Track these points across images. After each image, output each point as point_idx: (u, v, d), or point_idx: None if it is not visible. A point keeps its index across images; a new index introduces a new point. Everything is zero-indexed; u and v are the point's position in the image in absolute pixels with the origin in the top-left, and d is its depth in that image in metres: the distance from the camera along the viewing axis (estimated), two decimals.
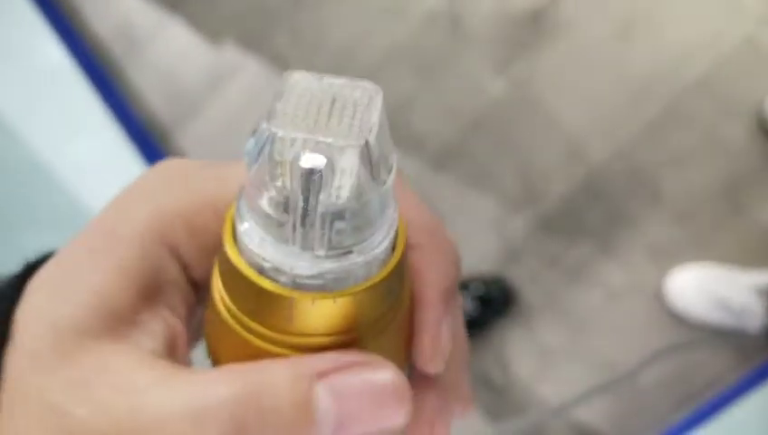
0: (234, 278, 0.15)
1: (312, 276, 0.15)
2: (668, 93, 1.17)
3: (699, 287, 1.12)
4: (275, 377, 0.14)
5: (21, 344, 0.15)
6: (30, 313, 0.16)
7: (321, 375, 0.14)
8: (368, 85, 0.15)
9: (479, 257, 1.20)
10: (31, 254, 0.20)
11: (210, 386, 0.14)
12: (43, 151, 1.27)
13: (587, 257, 1.18)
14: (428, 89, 1.25)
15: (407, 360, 0.18)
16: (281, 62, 1.29)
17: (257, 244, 0.15)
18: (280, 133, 0.14)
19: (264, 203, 0.14)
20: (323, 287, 0.15)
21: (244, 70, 1.31)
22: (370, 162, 0.14)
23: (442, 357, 0.17)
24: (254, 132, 0.14)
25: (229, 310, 0.15)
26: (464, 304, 1.16)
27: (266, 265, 0.15)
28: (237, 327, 0.15)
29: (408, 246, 0.17)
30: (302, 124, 0.14)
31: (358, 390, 0.14)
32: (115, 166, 1.30)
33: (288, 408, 0.14)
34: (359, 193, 0.14)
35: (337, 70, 1.27)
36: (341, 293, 0.15)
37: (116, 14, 1.35)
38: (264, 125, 0.14)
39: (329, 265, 0.14)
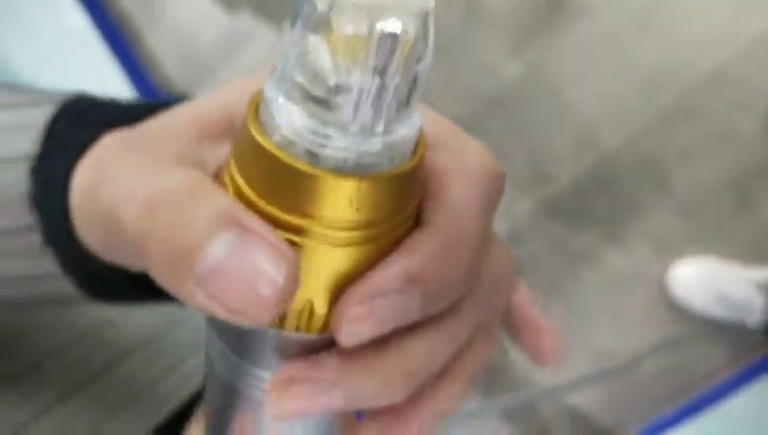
0: (257, 159, 0.15)
1: (365, 154, 0.15)
2: (682, 85, 1.18)
3: (701, 280, 1.12)
4: (209, 199, 0.15)
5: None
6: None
7: (240, 228, 0.14)
8: None
9: None
10: None
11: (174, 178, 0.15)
12: None
13: (592, 244, 1.18)
14: (443, 70, 1.25)
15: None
16: None
17: (296, 128, 0.14)
18: (349, 1, 0.13)
19: (307, 83, 0.14)
20: (347, 169, 0.15)
21: (259, 39, 1.31)
22: (425, 29, 0.14)
23: (348, 327, 0.16)
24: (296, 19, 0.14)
25: (241, 194, 0.15)
26: None
27: (309, 148, 0.14)
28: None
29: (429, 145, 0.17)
30: None
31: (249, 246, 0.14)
32: None
33: (193, 222, 0.14)
34: (421, 60, 0.14)
35: None
36: (372, 176, 0.15)
37: None
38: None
39: (375, 144, 0.14)
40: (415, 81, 0.14)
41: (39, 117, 0.21)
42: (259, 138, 0.15)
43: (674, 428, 1.16)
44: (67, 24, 1.33)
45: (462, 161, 0.17)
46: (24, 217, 0.21)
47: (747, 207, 1.15)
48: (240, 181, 0.15)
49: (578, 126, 1.20)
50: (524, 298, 0.23)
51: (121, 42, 1.34)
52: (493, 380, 1.18)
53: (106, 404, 0.31)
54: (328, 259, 0.15)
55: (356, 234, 0.15)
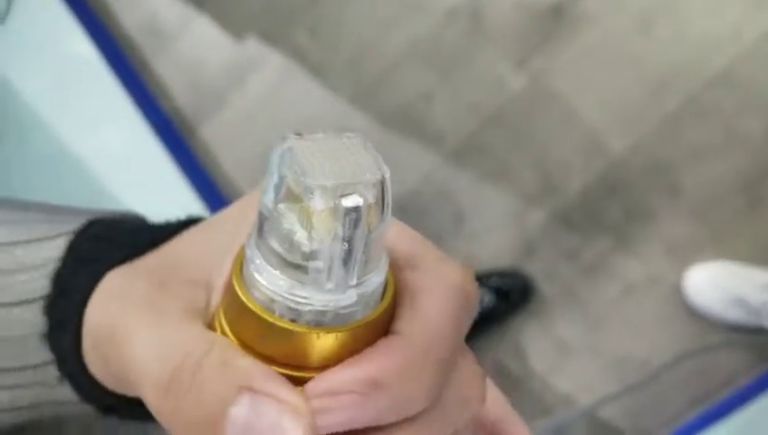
0: (244, 318, 0.17)
1: (343, 306, 0.16)
2: (688, 87, 1.17)
3: (717, 285, 1.12)
4: (223, 361, 0.16)
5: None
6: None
7: (257, 390, 0.15)
8: (350, 134, 0.17)
9: (497, 251, 1.21)
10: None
11: (178, 338, 0.17)
12: (71, 141, 1.30)
13: (604, 252, 1.18)
14: (448, 84, 1.26)
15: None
16: (301, 57, 1.31)
17: (276, 288, 0.16)
18: (316, 184, 0.15)
19: (283, 251, 0.16)
20: (328, 323, 0.16)
21: (266, 64, 1.33)
22: (382, 196, 0.16)
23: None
24: (270, 190, 0.16)
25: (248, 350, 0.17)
26: (482, 297, 1.16)
27: (290, 305, 0.16)
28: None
29: (406, 266, 0.19)
30: (325, 174, 0.16)
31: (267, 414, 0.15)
32: (139, 157, 1.33)
33: (211, 396, 0.16)
34: (382, 221, 0.16)
35: (356, 65, 1.29)
36: (348, 326, 0.17)
37: (143, 9, 1.38)
38: (286, 176, 0.16)
39: (350, 296, 0.16)
40: (379, 239, 0.16)
41: (54, 252, 0.22)
42: (244, 298, 0.17)
43: (700, 432, 1.15)
44: (71, 51, 1.36)
45: (438, 280, 0.18)
46: (42, 353, 0.22)
47: (759, 208, 1.14)
48: (227, 330, 0.17)
49: (585, 134, 1.20)
50: (500, 413, 0.23)
51: (128, 69, 1.37)
52: (513, 391, 1.19)
53: None
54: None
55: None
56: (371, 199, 0.16)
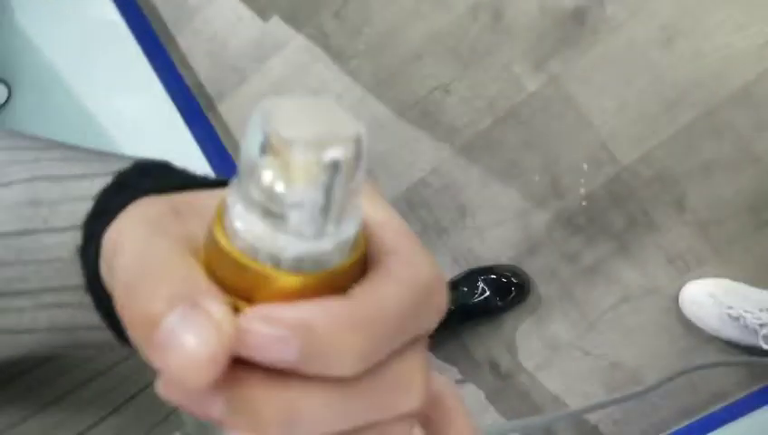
0: (231, 270, 0.18)
1: (322, 253, 0.18)
2: (704, 102, 1.17)
3: (715, 300, 1.12)
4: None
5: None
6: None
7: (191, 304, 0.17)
8: (325, 96, 0.19)
9: (500, 247, 1.22)
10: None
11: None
12: (89, 102, 1.32)
13: (605, 258, 1.18)
14: (465, 78, 1.26)
15: None
16: (324, 41, 1.32)
17: (257, 236, 0.17)
18: (299, 137, 0.16)
19: (264, 201, 0.17)
20: (308, 268, 0.17)
21: (289, 45, 1.34)
22: (359, 151, 0.17)
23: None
24: (250, 142, 0.17)
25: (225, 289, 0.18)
26: (481, 292, 1.18)
27: (271, 252, 0.17)
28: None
29: (384, 251, 0.20)
30: (306, 128, 0.17)
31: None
32: (156, 124, 1.35)
33: (156, 302, 0.17)
34: (357, 175, 0.17)
35: (378, 51, 1.30)
36: (326, 271, 0.18)
37: None
38: (269, 132, 0.17)
39: (328, 243, 0.18)
40: (355, 189, 0.18)
41: (97, 186, 0.24)
42: (225, 244, 0.18)
43: None
44: (97, 15, 1.37)
45: (407, 268, 0.19)
46: (80, 276, 0.24)
47: (764, 229, 1.14)
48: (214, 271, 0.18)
49: (596, 140, 1.21)
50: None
51: (152, 38, 1.38)
52: (500, 385, 1.20)
53: (159, 412, 0.35)
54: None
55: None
56: (350, 153, 0.17)
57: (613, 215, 1.19)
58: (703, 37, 1.18)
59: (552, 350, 1.19)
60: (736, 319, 1.11)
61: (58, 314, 0.25)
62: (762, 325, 1.09)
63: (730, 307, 1.11)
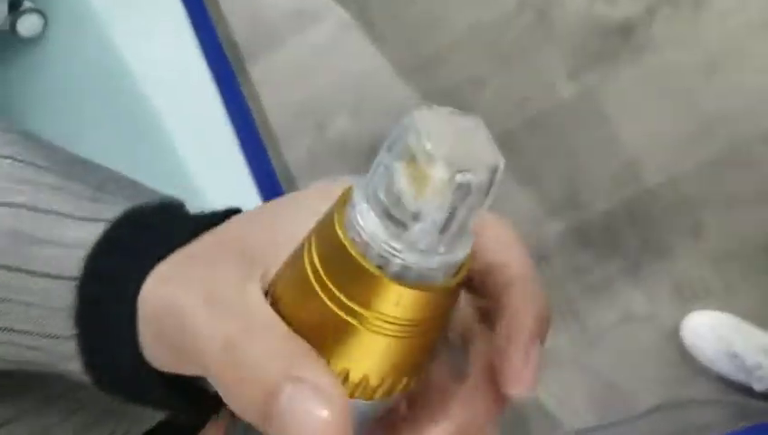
0: (340, 260, 0.18)
1: (427, 269, 0.18)
2: (735, 135, 1.16)
3: (716, 334, 1.11)
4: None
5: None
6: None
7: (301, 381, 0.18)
8: (474, 117, 0.19)
9: None
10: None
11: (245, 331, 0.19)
12: (121, 46, 1.31)
13: (613, 276, 1.18)
14: (501, 75, 1.25)
15: (422, 373, 0.21)
16: (364, 19, 1.31)
17: (374, 235, 0.18)
18: (440, 153, 0.17)
19: (389, 205, 0.18)
20: (410, 280, 0.18)
21: (329, 18, 1.33)
22: (492, 181, 0.18)
23: (528, 383, 0.20)
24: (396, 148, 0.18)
25: (321, 283, 0.19)
26: None
27: (382, 254, 0.18)
28: (322, 295, 0.19)
29: (501, 282, 0.22)
30: (448, 146, 0.17)
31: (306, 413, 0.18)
32: (186, 77, 1.34)
33: (262, 377, 0.18)
34: (482, 206, 0.18)
35: (416, 37, 1.29)
36: (428, 287, 0.18)
37: None
38: (415, 140, 0.17)
39: (436, 261, 0.18)
40: (475, 218, 0.18)
41: (90, 236, 0.23)
42: (341, 234, 0.18)
43: None
44: None
45: (528, 303, 0.21)
46: (62, 326, 0.23)
47: None
48: (316, 260, 0.19)
49: (622, 158, 1.20)
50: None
51: None
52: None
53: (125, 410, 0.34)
54: (379, 344, 0.19)
55: (398, 328, 0.19)
56: (483, 181, 0.17)
57: (628, 234, 1.18)
58: (745, 72, 1.17)
59: (547, 361, 1.19)
60: (734, 356, 1.10)
61: (24, 353, 0.24)
62: (758, 368, 1.09)
63: (730, 343, 1.11)
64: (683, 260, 1.16)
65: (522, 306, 0.21)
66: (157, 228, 0.23)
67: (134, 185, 0.27)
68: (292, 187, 1.32)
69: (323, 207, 0.20)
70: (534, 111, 1.24)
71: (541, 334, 0.20)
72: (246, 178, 1.31)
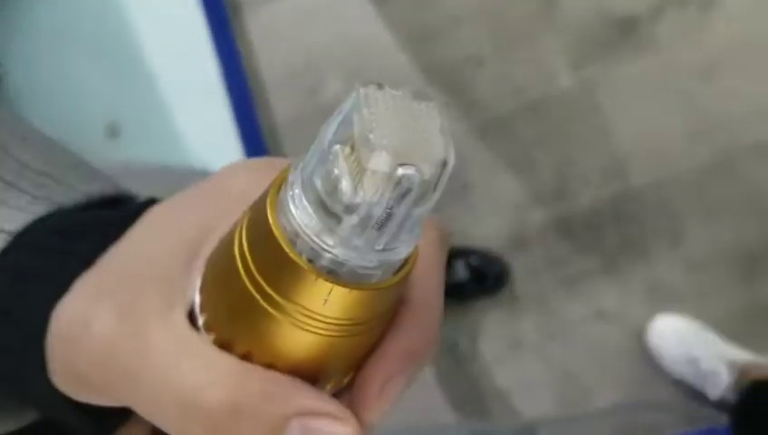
0: (267, 247, 0.16)
1: (361, 266, 0.16)
2: (727, 144, 1.16)
3: (679, 339, 1.13)
4: (263, 395, 0.17)
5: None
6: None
7: (301, 413, 0.17)
8: (429, 102, 0.16)
9: (489, 234, 1.21)
10: None
11: (207, 378, 0.18)
12: None
13: (589, 271, 1.18)
14: (500, 58, 1.24)
15: (360, 364, 0.19)
16: None
17: (305, 224, 0.16)
18: (381, 143, 0.15)
19: (324, 194, 0.16)
20: (343, 277, 0.16)
21: None
22: (439, 178, 0.16)
23: (378, 412, 0.19)
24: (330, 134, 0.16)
25: (247, 270, 0.17)
26: (458, 271, 1.17)
27: (312, 246, 0.16)
28: (248, 284, 0.17)
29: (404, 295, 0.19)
30: (393, 136, 0.15)
31: None
32: (178, 20, 1.30)
33: (262, 431, 0.17)
34: (427, 201, 0.16)
35: (421, 6, 1.26)
36: (360, 286, 0.16)
37: None
38: (357, 126, 0.15)
39: (372, 259, 0.16)
40: (420, 216, 0.16)
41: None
42: (271, 219, 0.16)
43: None
44: None
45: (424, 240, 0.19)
46: None
47: (751, 284, 1.14)
48: (245, 247, 0.17)
49: (612, 154, 1.19)
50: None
51: None
52: (453, 368, 1.20)
53: None
54: (305, 341, 0.17)
55: (326, 326, 0.17)
56: (427, 177, 0.15)
57: (609, 231, 1.19)
58: (744, 79, 1.16)
59: (512, 347, 1.20)
60: (692, 361, 1.12)
61: None
62: (714, 375, 1.10)
63: (690, 349, 1.12)
64: (659, 263, 1.17)
65: (402, 335, 0.19)
66: (53, 250, 0.21)
67: (75, 168, 0.24)
68: (277, 145, 1.30)
69: (249, 196, 0.18)
70: (531, 98, 1.22)
71: (406, 371, 0.19)
72: (230, 130, 1.28)
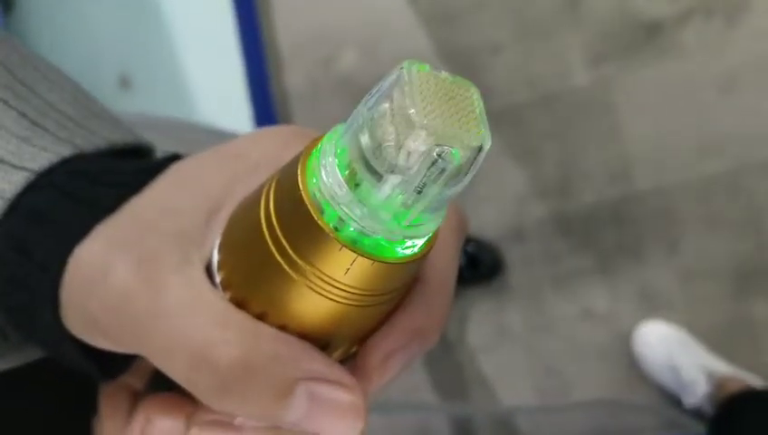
0: (295, 212, 0.17)
1: (387, 240, 0.17)
2: (736, 160, 1.15)
3: (663, 345, 1.14)
4: (273, 356, 0.18)
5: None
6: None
7: (309, 377, 0.18)
8: (472, 87, 0.17)
9: (488, 222, 1.21)
10: None
11: (221, 334, 0.18)
12: None
13: (583, 270, 1.19)
14: (518, 49, 1.23)
15: (369, 335, 0.20)
16: None
17: (336, 194, 0.16)
18: (421, 122, 0.15)
19: (368, 149, 0.16)
20: (366, 249, 0.17)
21: None
22: (473, 163, 0.16)
23: (376, 383, 0.19)
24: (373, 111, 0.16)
25: (272, 232, 0.17)
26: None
27: (341, 216, 0.16)
28: (271, 246, 0.17)
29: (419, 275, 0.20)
30: (432, 116, 0.15)
31: (328, 403, 0.18)
32: None
33: (270, 391, 0.17)
34: (458, 184, 0.16)
35: None
36: (383, 259, 0.17)
37: None
38: (399, 103, 0.15)
39: (398, 234, 0.17)
40: (446, 198, 0.16)
41: (9, 187, 0.21)
42: (302, 185, 0.17)
43: None
44: None
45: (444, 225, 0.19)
46: None
47: (740, 300, 1.14)
48: (272, 209, 0.17)
49: (620, 156, 1.19)
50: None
51: None
52: (438, 351, 1.21)
53: None
54: (323, 307, 0.18)
55: (346, 295, 0.17)
56: (462, 160, 0.16)
57: (608, 232, 1.19)
58: (762, 98, 1.15)
59: (499, 337, 1.21)
60: (673, 368, 1.13)
61: None
62: (693, 384, 1.11)
63: (673, 356, 1.13)
64: (653, 269, 1.17)
65: (411, 311, 0.20)
66: (77, 196, 0.21)
67: (90, 113, 0.24)
68: (287, 110, 1.29)
69: (273, 163, 0.18)
70: (545, 91, 1.22)
71: (410, 347, 0.20)
72: (242, 91, 1.27)
